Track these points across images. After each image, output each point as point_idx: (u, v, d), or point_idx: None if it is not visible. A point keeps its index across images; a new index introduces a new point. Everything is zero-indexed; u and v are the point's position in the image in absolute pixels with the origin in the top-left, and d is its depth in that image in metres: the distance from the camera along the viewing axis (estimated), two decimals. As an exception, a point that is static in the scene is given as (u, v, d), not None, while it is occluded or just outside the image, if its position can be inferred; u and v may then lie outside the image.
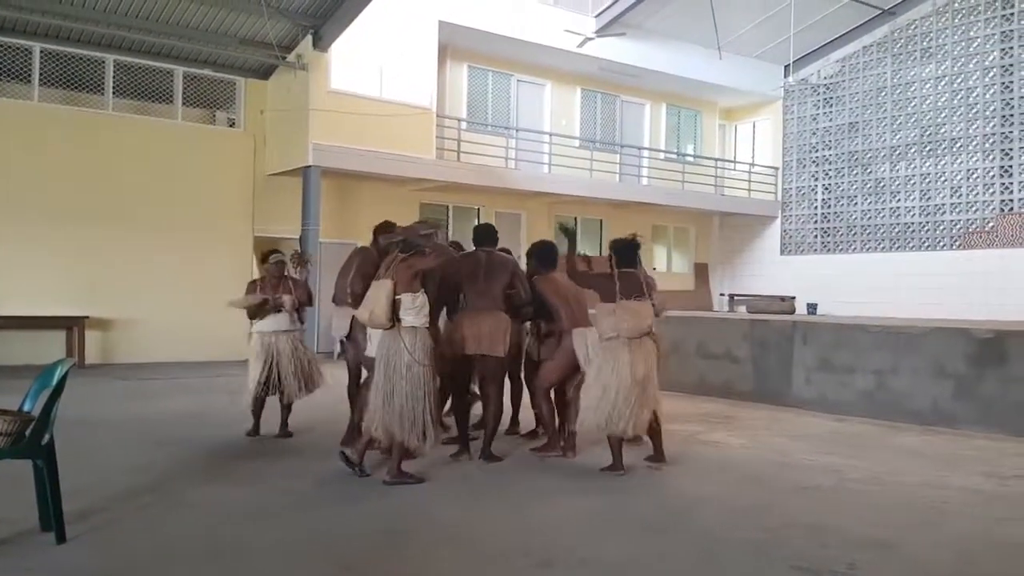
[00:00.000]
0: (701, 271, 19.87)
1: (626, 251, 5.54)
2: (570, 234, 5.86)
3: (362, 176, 13.71)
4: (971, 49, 15.98)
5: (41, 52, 11.92)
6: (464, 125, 15.40)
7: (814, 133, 18.53)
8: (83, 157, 11.96)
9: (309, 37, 12.50)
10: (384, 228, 6.15)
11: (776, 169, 19.24)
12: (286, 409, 6.50)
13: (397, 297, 4.96)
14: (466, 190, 15.16)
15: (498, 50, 15.55)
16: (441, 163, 14.21)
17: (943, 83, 16.35)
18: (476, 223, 15.73)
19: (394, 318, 4.96)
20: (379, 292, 4.98)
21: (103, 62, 12.40)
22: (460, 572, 3.60)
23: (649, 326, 5.40)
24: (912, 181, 16.81)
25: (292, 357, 6.35)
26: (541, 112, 16.92)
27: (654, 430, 5.65)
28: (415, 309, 4.98)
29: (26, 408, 3.88)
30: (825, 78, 18.24)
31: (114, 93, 12.55)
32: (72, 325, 11.58)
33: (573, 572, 3.60)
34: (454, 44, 15.01)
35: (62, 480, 3.79)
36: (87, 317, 11.72)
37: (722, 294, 19.49)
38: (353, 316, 5.82)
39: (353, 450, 5.20)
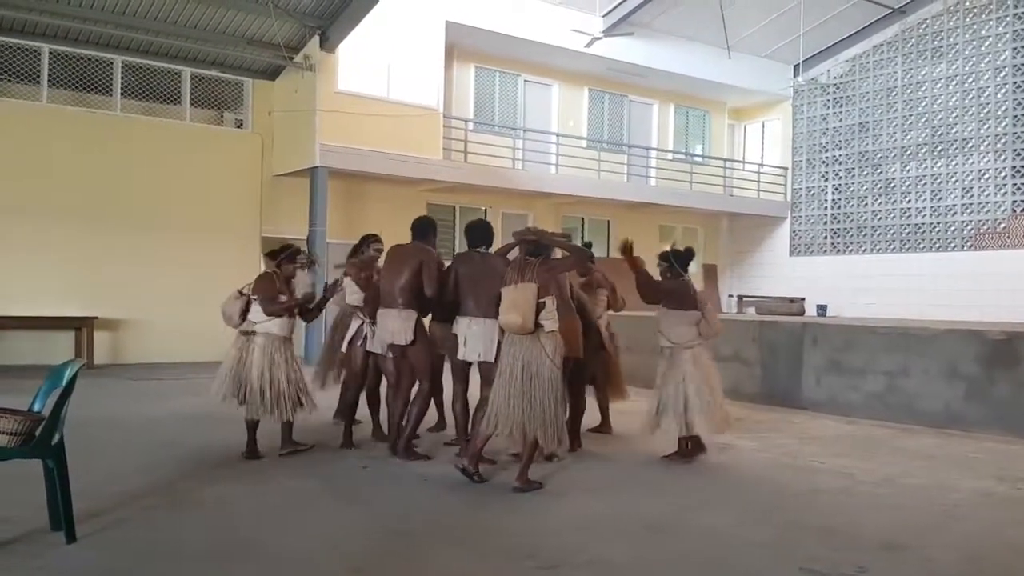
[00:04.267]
0: (709, 272, 19.80)
1: (683, 259, 5.89)
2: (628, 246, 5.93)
3: (369, 177, 13.72)
4: (983, 48, 15.88)
5: (50, 53, 11.96)
6: (471, 126, 15.38)
7: (824, 133, 18.45)
8: (91, 158, 12.00)
9: (316, 38, 12.51)
10: (425, 224, 5.94)
11: (785, 169, 19.16)
12: (253, 428, 5.75)
13: (541, 301, 4.91)
14: (473, 191, 15.15)
15: (505, 50, 15.53)
16: (448, 164, 14.21)
17: (954, 83, 16.25)
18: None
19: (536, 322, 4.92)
20: (524, 296, 4.88)
21: (111, 63, 12.44)
22: (467, 573, 3.59)
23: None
24: (923, 182, 16.71)
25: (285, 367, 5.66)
26: (548, 112, 16.88)
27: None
28: (552, 313, 4.97)
29: (36, 408, 3.89)
30: (835, 78, 18.16)
31: (122, 94, 12.58)
32: (81, 325, 11.61)
33: (580, 573, 3.58)
34: (461, 44, 15.00)
35: (72, 480, 3.79)
36: (96, 317, 11.75)
37: (731, 295, 19.42)
38: (416, 320, 5.60)
39: (467, 459, 5.13)
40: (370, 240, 6.70)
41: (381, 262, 6.40)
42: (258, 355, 5.59)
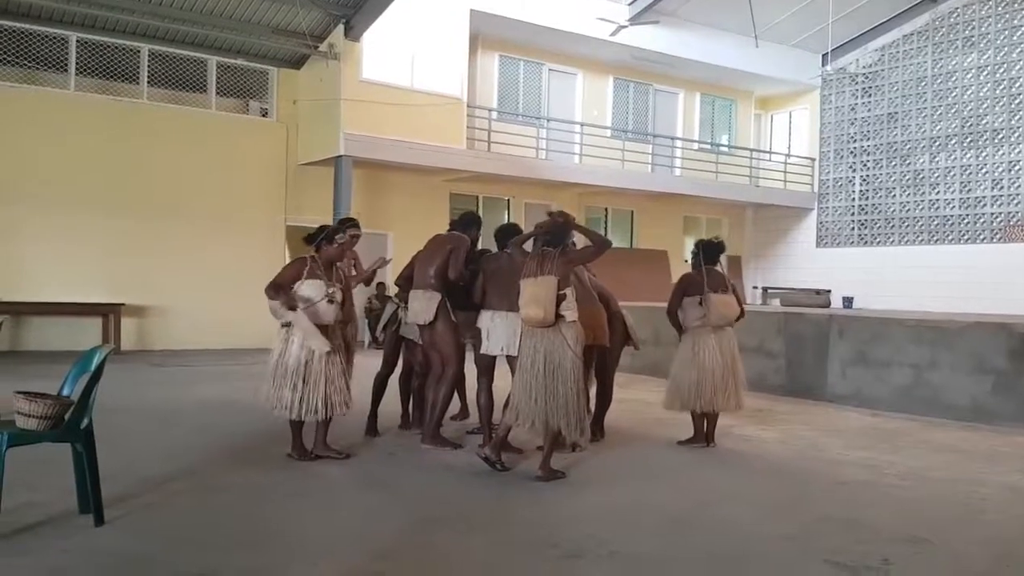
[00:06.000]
0: (734, 264, 19.64)
1: (712, 250, 6.12)
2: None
3: (393, 166, 13.74)
4: (1015, 38, 15.57)
5: (77, 42, 12.09)
6: (495, 115, 15.35)
7: (852, 123, 18.20)
8: (118, 146, 12.13)
9: (341, 26, 12.53)
10: (468, 218, 6.06)
11: (813, 160, 18.95)
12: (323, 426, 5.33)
13: (561, 292, 4.91)
14: (496, 180, 15.13)
15: (529, 39, 15.46)
16: (471, 153, 14.19)
17: (985, 73, 15.96)
18: (507, 214, 15.86)
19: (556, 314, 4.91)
20: (545, 289, 4.85)
21: (138, 51, 12.55)
22: (490, 562, 3.60)
23: (734, 317, 6.04)
24: (952, 173, 16.46)
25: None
26: (572, 102, 16.80)
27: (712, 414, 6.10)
28: (572, 304, 4.97)
29: (65, 393, 3.94)
30: (864, 67, 17.90)
31: (149, 82, 12.70)
32: (108, 312, 11.77)
33: (602, 564, 3.58)
34: (485, 33, 14.96)
35: (100, 464, 3.85)
36: (123, 304, 11.90)
37: (756, 287, 19.27)
38: (439, 304, 5.62)
39: (490, 448, 5.12)
40: (347, 224, 6.46)
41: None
42: (296, 347, 5.06)
